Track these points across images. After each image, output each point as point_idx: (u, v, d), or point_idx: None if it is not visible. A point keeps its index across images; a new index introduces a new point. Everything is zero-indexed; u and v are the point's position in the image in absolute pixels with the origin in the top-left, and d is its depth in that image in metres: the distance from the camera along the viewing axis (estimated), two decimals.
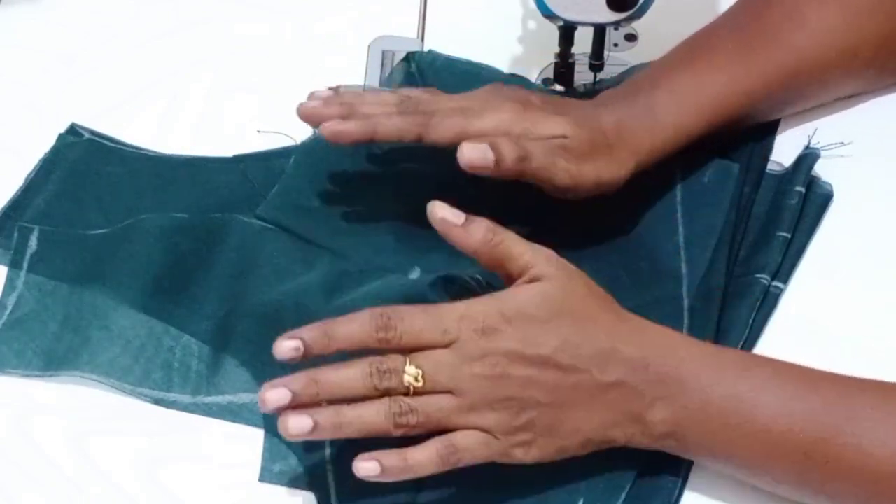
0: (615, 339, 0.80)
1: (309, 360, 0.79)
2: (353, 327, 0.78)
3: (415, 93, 0.95)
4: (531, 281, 0.81)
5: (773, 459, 0.80)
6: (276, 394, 0.77)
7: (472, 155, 0.86)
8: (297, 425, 0.77)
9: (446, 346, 0.79)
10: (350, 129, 0.90)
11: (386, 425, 0.78)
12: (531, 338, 0.79)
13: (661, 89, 0.94)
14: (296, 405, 0.78)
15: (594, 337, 0.80)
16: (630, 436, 0.81)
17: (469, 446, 0.80)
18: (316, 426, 0.77)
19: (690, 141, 0.94)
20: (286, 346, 0.78)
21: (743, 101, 0.96)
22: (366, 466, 0.78)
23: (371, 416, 0.78)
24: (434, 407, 0.79)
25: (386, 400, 0.78)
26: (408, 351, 0.79)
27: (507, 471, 0.83)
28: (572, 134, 0.90)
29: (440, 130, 0.89)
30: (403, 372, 0.78)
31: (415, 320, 0.78)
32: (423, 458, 0.79)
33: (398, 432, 0.79)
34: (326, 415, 0.78)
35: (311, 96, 0.94)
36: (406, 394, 0.79)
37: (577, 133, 0.90)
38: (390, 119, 0.90)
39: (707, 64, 0.96)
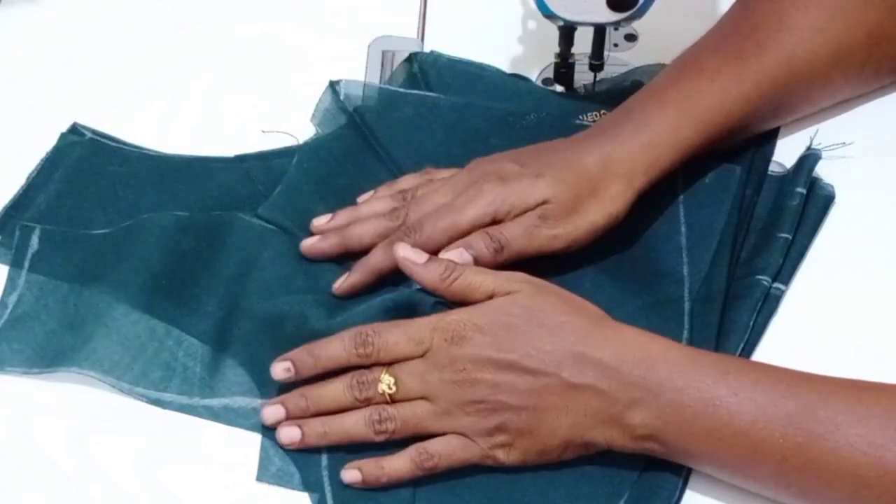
0: (586, 343, 0.82)
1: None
2: (336, 347, 0.85)
3: (405, 184, 0.97)
4: (501, 295, 0.84)
5: (753, 463, 0.80)
6: (271, 410, 0.87)
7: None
8: (288, 435, 0.86)
9: (421, 356, 0.84)
10: (357, 278, 0.93)
11: (367, 431, 0.85)
12: (500, 343, 0.82)
13: (653, 106, 0.94)
14: (289, 418, 0.86)
15: (564, 341, 0.82)
16: (611, 438, 0.82)
17: (444, 451, 0.83)
18: (304, 435, 0.85)
19: (690, 153, 0.94)
20: (278, 369, 0.86)
21: (739, 109, 0.95)
22: (348, 474, 0.84)
23: (352, 425, 0.85)
24: (409, 413, 0.84)
25: (366, 408, 0.85)
26: (387, 364, 0.85)
27: (507, 475, 0.84)
28: (553, 196, 0.90)
29: (434, 239, 0.91)
30: (379, 381, 0.84)
31: (390, 335, 0.85)
32: (398, 465, 0.84)
33: (379, 438, 0.85)
34: (313, 424, 0.86)
35: (312, 227, 0.97)
36: (386, 403, 0.85)
37: (557, 194, 0.91)
38: (386, 253, 0.92)
39: (698, 77, 0.95)
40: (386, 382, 0.84)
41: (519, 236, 0.90)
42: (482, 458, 0.84)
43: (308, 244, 0.95)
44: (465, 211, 0.91)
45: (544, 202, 0.90)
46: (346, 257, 0.95)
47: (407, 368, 0.84)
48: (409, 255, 0.86)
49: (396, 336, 0.84)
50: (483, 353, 0.82)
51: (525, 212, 0.90)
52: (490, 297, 0.84)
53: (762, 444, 0.79)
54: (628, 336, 0.83)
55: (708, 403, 0.80)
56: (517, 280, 0.85)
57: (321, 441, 0.85)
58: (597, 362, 0.81)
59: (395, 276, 0.91)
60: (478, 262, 0.89)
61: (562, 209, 0.90)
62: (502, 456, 0.83)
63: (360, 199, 0.98)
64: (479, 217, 0.91)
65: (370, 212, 0.96)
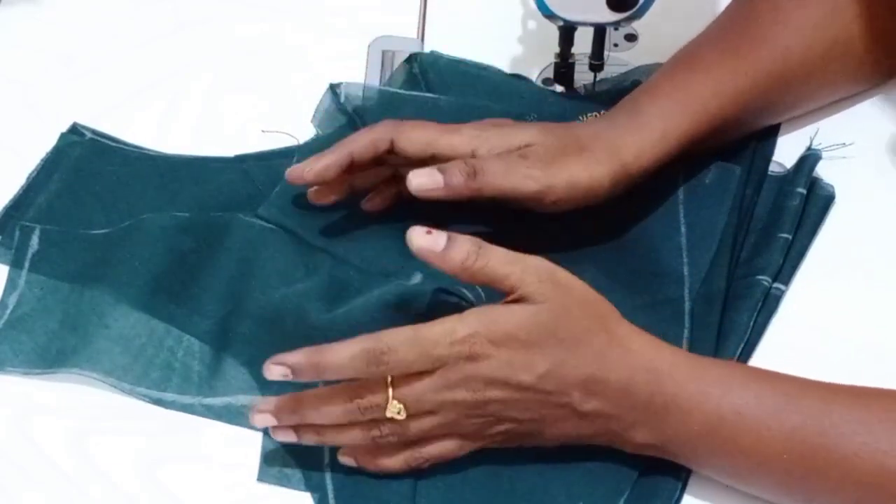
0: (600, 364, 0.80)
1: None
2: (343, 359, 0.79)
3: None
4: (520, 300, 0.80)
5: (756, 476, 0.81)
6: (262, 418, 0.83)
7: (419, 181, 0.87)
8: (283, 437, 0.83)
9: (432, 371, 0.80)
10: (330, 159, 0.91)
11: (365, 442, 0.82)
12: (517, 363, 0.79)
13: (645, 97, 0.94)
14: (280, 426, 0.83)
15: (581, 363, 0.80)
16: (611, 444, 0.83)
17: (440, 453, 0.83)
18: (299, 438, 0.83)
19: (684, 145, 0.93)
20: (275, 371, 0.80)
21: (733, 102, 0.95)
22: (344, 458, 0.84)
23: (350, 440, 0.83)
24: (415, 429, 0.82)
25: (367, 428, 0.82)
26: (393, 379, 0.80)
27: (507, 474, 0.84)
28: (538, 140, 0.90)
29: (412, 136, 0.90)
30: (385, 408, 0.80)
31: (407, 354, 0.79)
32: (391, 464, 0.83)
33: (378, 444, 0.83)
34: (309, 436, 0.83)
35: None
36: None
37: (543, 139, 0.90)
38: (360, 134, 0.92)
39: (693, 70, 0.95)
40: (395, 410, 0.80)
41: (494, 166, 0.88)
42: (472, 449, 0.83)
43: (315, 192, 0.95)
44: (444, 136, 0.90)
45: (528, 145, 0.90)
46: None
47: (417, 390, 0.80)
48: (425, 243, 0.81)
49: (413, 356, 0.79)
50: (499, 375, 0.79)
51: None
52: (509, 293, 0.80)
53: (766, 459, 0.79)
54: (637, 350, 0.81)
55: (712, 423, 0.80)
56: (540, 278, 0.80)
57: (316, 444, 0.84)
58: (606, 386, 0.80)
59: (395, 259, 0.91)
60: (448, 185, 0.87)
61: (545, 155, 0.89)
62: (496, 445, 0.83)
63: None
64: (458, 144, 0.90)
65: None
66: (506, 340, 0.79)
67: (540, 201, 0.89)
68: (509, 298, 0.80)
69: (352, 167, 0.92)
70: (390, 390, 0.80)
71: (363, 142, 0.92)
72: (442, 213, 0.91)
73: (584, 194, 0.90)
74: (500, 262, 0.81)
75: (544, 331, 0.79)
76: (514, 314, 0.80)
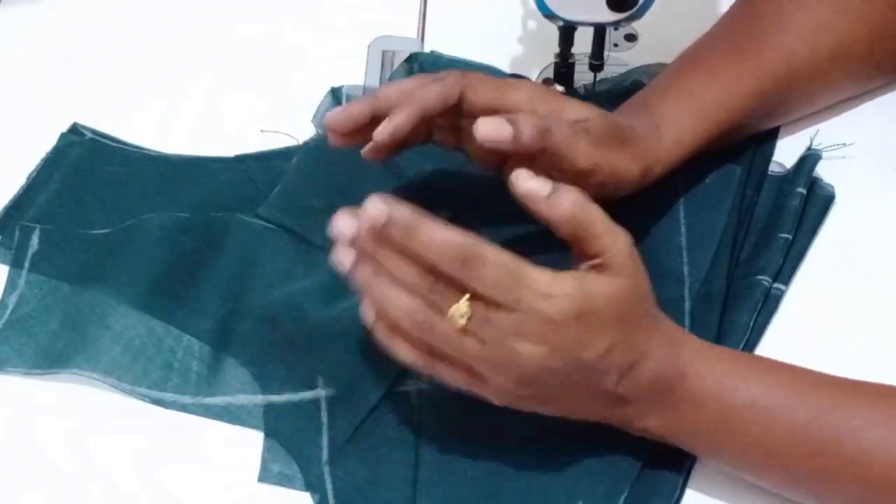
0: (644, 352, 0.79)
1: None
2: (436, 238, 0.76)
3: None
4: (605, 268, 0.78)
5: (763, 469, 0.81)
6: (345, 222, 0.79)
7: (487, 130, 0.84)
8: (343, 255, 0.79)
9: (509, 308, 0.76)
10: (403, 117, 0.87)
11: (405, 323, 0.78)
12: (586, 340, 0.77)
13: (654, 105, 0.94)
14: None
15: (631, 347, 0.79)
16: (620, 426, 0.82)
17: (449, 379, 0.80)
18: (355, 269, 0.79)
19: (690, 152, 0.93)
20: (374, 208, 0.76)
21: (739, 108, 0.95)
22: (364, 309, 0.80)
23: (397, 303, 0.78)
24: (455, 343, 0.77)
25: (421, 305, 0.77)
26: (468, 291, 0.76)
27: (507, 472, 0.84)
28: (596, 118, 0.89)
29: (480, 88, 0.88)
30: (453, 304, 0.76)
31: (497, 277, 0.75)
32: (400, 353, 0.80)
33: (414, 337, 0.78)
34: (365, 270, 0.79)
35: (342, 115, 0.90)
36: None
37: (600, 119, 0.89)
38: (431, 87, 0.88)
39: (699, 74, 0.95)
40: (461, 313, 0.76)
41: (563, 131, 0.86)
42: (475, 392, 0.80)
43: (381, 130, 0.87)
44: (514, 88, 0.88)
45: (586, 119, 0.88)
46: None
47: (489, 315, 0.76)
48: (534, 186, 0.77)
49: (501, 282, 0.75)
50: (566, 345, 0.76)
51: None
52: (592, 256, 0.78)
53: (775, 452, 0.79)
54: (671, 337, 0.81)
55: (724, 417, 0.80)
56: (629, 251, 0.79)
57: (365, 283, 0.79)
58: (641, 372, 0.79)
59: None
60: (518, 138, 0.83)
61: (600, 134, 0.87)
62: (493, 399, 0.80)
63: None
64: (526, 98, 0.87)
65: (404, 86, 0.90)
66: (589, 314, 0.77)
67: (584, 177, 0.87)
68: (594, 262, 0.78)
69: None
70: (467, 295, 0.76)
71: (434, 97, 0.87)
72: (440, 205, 0.91)
73: (616, 186, 0.89)
74: (600, 220, 0.78)
75: (623, 310, 0.78)
76: (605, 289, 0.78)
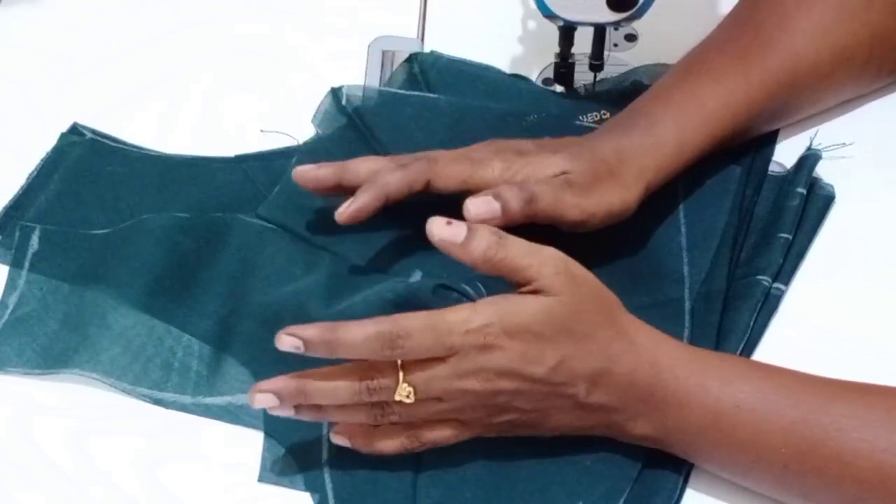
0: (608, 358, 0.80)
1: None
2: (357, 339, 0.78)
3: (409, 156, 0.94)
4: (536, 292, 0.80)
5: (754, 470, 0.81)
6: (263, 398, 0.80)
7: (477, 210, 0.86)
8: (282, 412, 0.81)
9: (445, 358, 0.79)
10: (365, 200, 0.90)
11: (368, 423, 0.82)
12: (529, 356, 0.79)
13: (659, 109, 0.94)
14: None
15: (589, 356, 0.80)
16: (610, 435, 0.83)
17: (439, 439, 0.82)
18: (298, 416, 0.81)
19: (695, 157, 0.94)
20: (287, 342, 0.79)
21: (745, 111, 0.95)
22: (337, 438, 0.83)
23: (354, 419, 0.82)
24: (420, 413, 0.81)
25: (371, 409, 0.81)
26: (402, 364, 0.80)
27: (507, 472, 0.84)
28: (573, 168, 0.90)
29: (448, 174, 0.90)
30: (395, 391, 0.79)
31: (422, 340, 0.78)
32: (387, 447, 0.83)
33: (381, 434, 0.83)
34: (309, 413, 0.82)
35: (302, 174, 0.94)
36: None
37: (577, 166, 0.90)
38: (395, 174, 0.90)
39: (704, 78, 0.95)
40: (404, 393, 0.79)
41: (547, 193, 0.87)
42: (468, 437, 0.83)
43: (345, 212, 0.90)
44: (485, 164, 0.89)
45: (564, 172, 0.89)
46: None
47: (428, 375, 0.79)
48: (447, 234, 0.80)
49: (428, 342, 0.78)
50: (511, 366, 0.79)
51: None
52: (524, 284, 0.80)
53: (764, 453, 0.80)
54: (641, 344, 0.82)
55: (711, 417, 0.80)
56: (557, 271, 0.80)
57: (314, 420, 0.83)
58: (611, 379, 0.80)
59: (395, 257, 0.92)
60: (506, 212, 0.85)
61: (584, 183, 0.89)
62: (494, 434, 0.83)
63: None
64: (498, 174, 0.89)
65: (374, 166, 0.93)
66: (520, 332, 0.79)
67: (581, 226, 0.89)
68: (525, 289, 0.80)
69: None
70: (401, 374, 0.79)
71: (398, 184, 0.90)
72: (436, 212, 0.91)
73: (618, 218, 0.91)
74: (520, 253, 0.80)
75: (558, 324, 0.79)
76: (529, 306, 0.79)
